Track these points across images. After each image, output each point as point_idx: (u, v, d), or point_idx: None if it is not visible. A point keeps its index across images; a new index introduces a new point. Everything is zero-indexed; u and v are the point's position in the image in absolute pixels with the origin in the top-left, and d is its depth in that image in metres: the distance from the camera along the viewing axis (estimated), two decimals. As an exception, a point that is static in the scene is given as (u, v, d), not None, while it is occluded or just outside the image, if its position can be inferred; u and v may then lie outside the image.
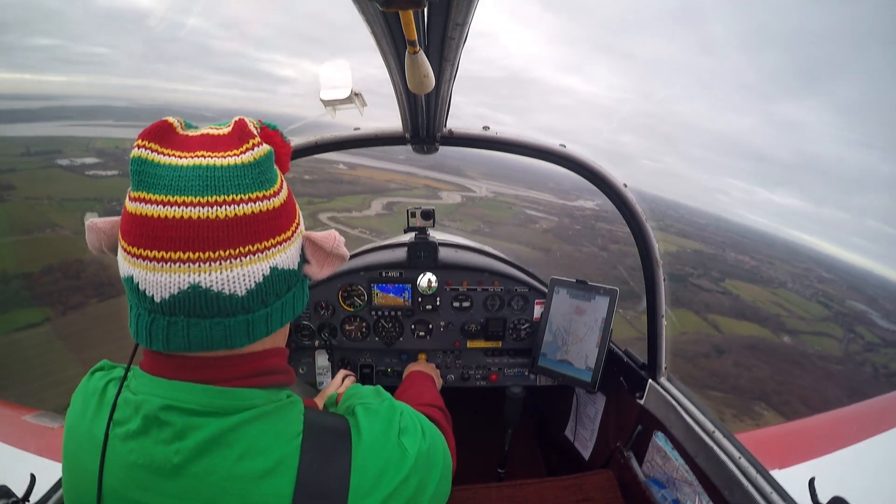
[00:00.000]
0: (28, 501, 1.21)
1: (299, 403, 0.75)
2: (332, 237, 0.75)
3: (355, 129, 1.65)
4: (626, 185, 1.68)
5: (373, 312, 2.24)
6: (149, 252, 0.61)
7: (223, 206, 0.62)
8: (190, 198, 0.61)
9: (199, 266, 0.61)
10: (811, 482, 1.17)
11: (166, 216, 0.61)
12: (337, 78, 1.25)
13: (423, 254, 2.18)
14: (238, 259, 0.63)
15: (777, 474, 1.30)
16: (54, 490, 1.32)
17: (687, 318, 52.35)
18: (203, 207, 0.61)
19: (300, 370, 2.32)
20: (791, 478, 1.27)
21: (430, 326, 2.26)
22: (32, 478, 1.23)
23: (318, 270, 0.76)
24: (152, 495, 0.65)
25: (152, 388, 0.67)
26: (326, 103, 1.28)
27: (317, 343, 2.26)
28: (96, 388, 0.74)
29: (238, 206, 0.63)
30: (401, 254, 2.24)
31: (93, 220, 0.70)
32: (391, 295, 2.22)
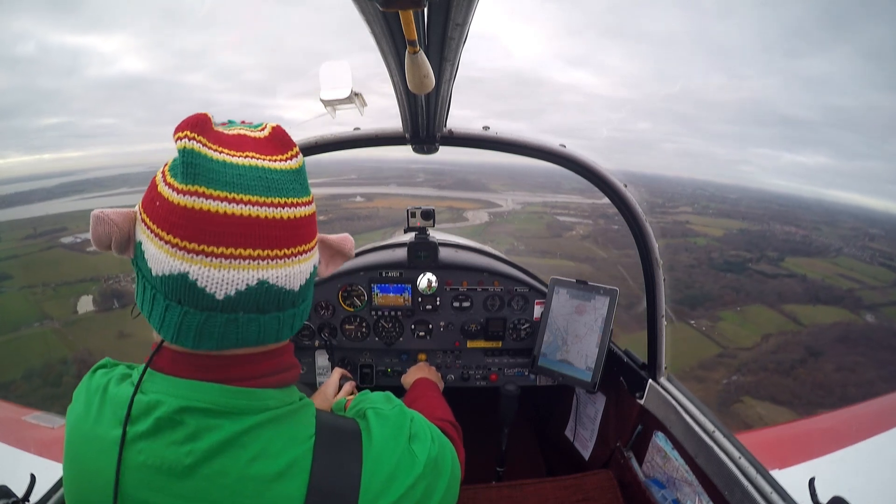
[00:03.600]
0: (28, 501, 1.21)
1: (311, 406, 0.76)
2: (348, 238, 0.85)
3: (355, 129, 1.65)
4: (626, 186, 1.68)
5: (373, 312, 2.24)
6: (214, 248, 0.61)
7: (284, 208, 0.66)
8: (255, 197, 0.63)
9: (268, 263, 0.65)
10: (811, 482, 1.17)
11: (232, 213, 0.62)
12: (337, 78, 1.25)
13: (423, 254, 2.18)
14: (295, 257, 0.68)
15: (777, 474, 1.30)
16: (54, 490, 1.32)
17: (763, 316, 46.40)
18: (268, 207, 0.64)
19: (300, 370, 2.32)
20: (791, 478, 1.27)
21: (430, 326, 2.26)
22: (32, 478, 1.23)
23: (325, 269, 0.83)
24: (163, 496, 0.64)
25: (167, 388, 0.66)
26: (326, 103, 1.28)
27: (317, 343, 2.26)
28: (98, 386, 0.74)
29: (294, 208, 0.68)
30: (401, 254, 2.24)
31: (101, 211, 0.67)
32: (391, 295, 2.21)
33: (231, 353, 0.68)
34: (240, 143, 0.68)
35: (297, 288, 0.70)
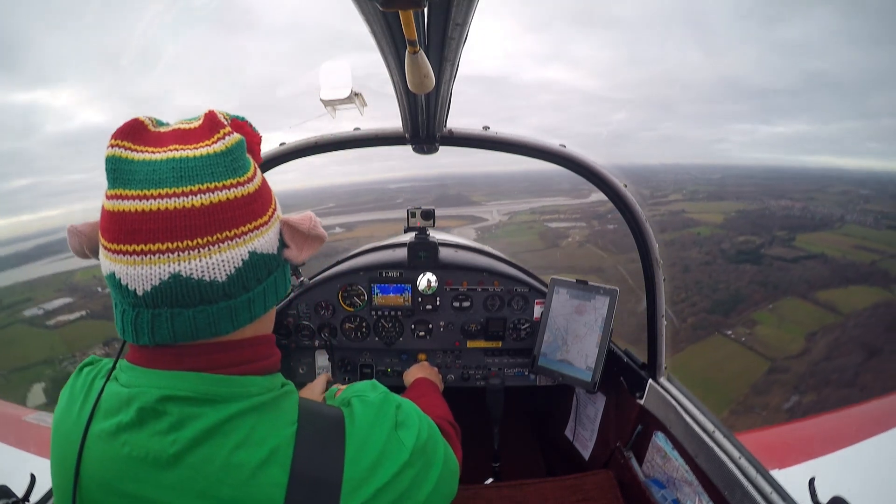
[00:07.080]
0: (28, 501, 1.21)
1: (294, 393, 0.76)
2: (308, 218, 0.75)
3: (355, 129, 1.65)
4: (626, 185, 1.68)
5: (373, 312, 2.24)
6: (127, 246, 0.62)
7: (198, 195, 0.63)
8: (165, 190, 0.62)
9: (178, 255, 0.62)
10: (811, 482, 1.17)
11: (143, 210, 0.62)
12: (337, 78, 1.25)
13: (423, 254, 2.18)
14: (216, 245, 0.64)
15: (777, 474, 1.30)
16: (54, 490, 1.32)
17: (800, 310, 40.46)
18: (178, 198, 0.62)
19: (300, 370, 2.32)
20: (791, 478, 1.26)
21: (430, 326, 2.26)
22: (32, 478, 1.23)
23: (298, 254, 0.76)
24: (148, 487, 0.65)
25: (147, 380, 0.67)
26: (326, 103, 1.28)
27: (317, 343, 2.26)
28: (84, 383, 0.74)
29: (213, 193, 0.64)
30: (401, 254, 2.24)
31: (73, 225, 0.71)
32: (391, 295, 2.22)
33: (202, 343, 0.68)
34: (168, 139, 0.67)
35: (222, 278, 0.65)
